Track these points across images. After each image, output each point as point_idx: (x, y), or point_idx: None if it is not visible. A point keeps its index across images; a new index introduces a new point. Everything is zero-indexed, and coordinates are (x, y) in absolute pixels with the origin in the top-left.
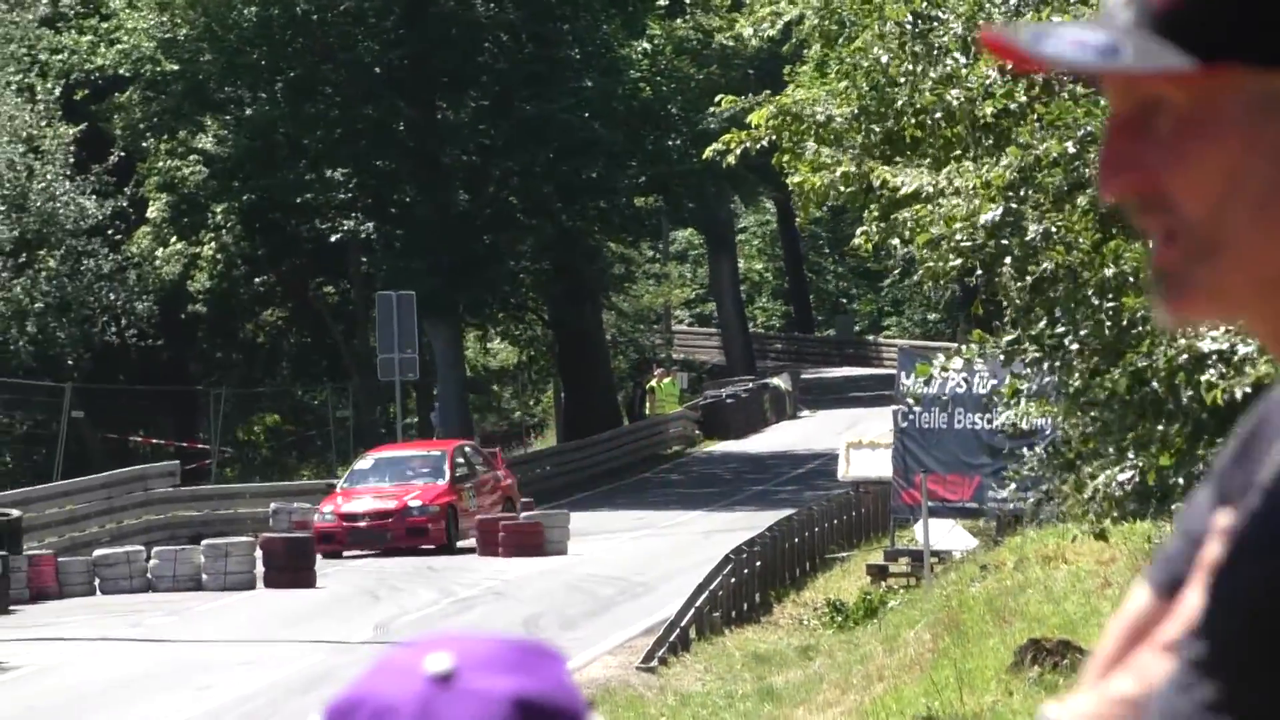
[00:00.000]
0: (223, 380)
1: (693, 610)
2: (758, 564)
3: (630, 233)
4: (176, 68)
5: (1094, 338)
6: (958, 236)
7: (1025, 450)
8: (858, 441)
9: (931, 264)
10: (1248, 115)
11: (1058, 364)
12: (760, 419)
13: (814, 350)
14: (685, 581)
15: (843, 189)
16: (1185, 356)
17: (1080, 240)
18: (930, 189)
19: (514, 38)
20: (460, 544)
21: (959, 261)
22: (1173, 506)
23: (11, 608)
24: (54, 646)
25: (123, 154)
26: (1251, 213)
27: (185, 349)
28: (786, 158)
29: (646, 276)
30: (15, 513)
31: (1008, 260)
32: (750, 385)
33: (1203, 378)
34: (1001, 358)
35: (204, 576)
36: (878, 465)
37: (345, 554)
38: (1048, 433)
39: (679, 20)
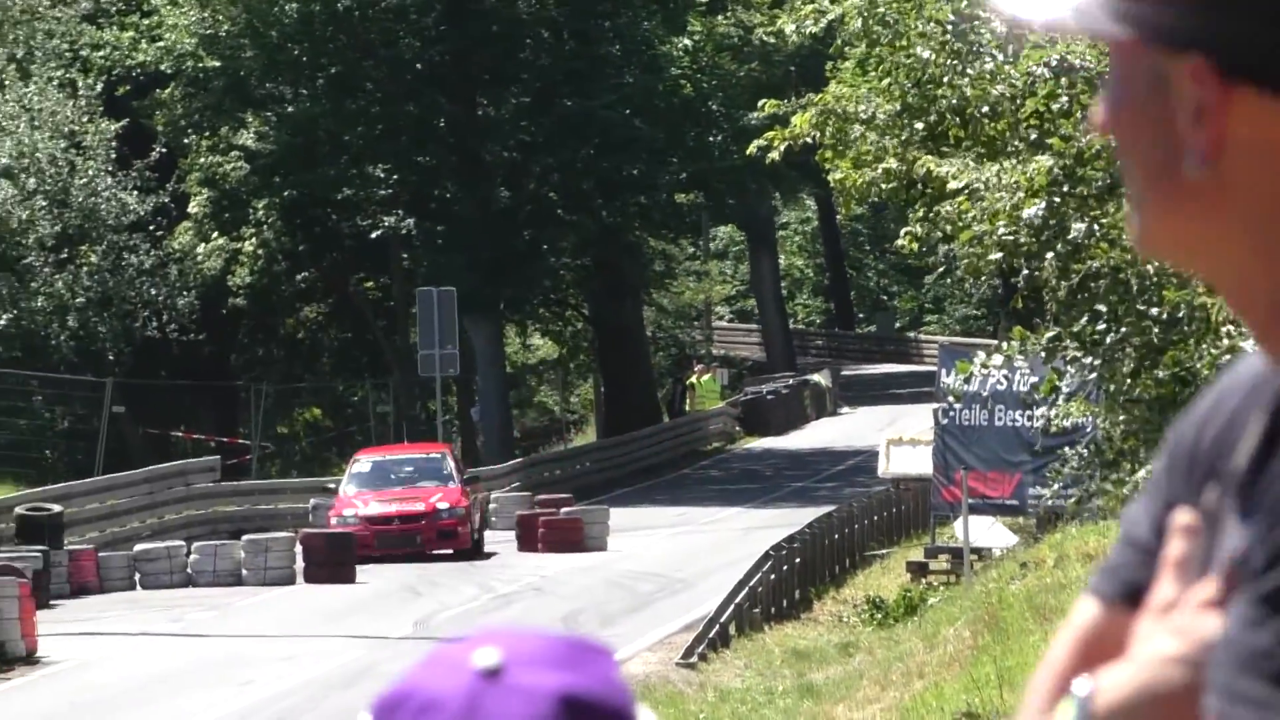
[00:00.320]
0: (263, 375)
1: (732, 606)
2: (797, 560)
3: (671, 229)
4: (218, 64)
5: (1136, 335)
6: (1000, 231)
7: (1066, 449)
8: (898, 438)
9: (971, 258)
10: (1146, 89)
11: (1099, 361)
12: (800, 415)
13: (854, 347)
14: (724, 578)
15: (884, 185)
16: (1228, 356)
17: (1124, 237)
18: (980, 184)
19: (555, 34)
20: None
21: (999, 256)
22: None
23: (52, 602)
24: (95, 641)
25: (164, 150)
26: (1147, 180)
27: (226, 344)
28: (829, 154)
29: (687, 273)
30: (56, 508)
31: (1049, 256)
32: (790, 382)
33: None
34: (1043, 354)
35: (244, 572)
36: (918, 462)
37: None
38: (1088, 430)
39: (720, 17)
